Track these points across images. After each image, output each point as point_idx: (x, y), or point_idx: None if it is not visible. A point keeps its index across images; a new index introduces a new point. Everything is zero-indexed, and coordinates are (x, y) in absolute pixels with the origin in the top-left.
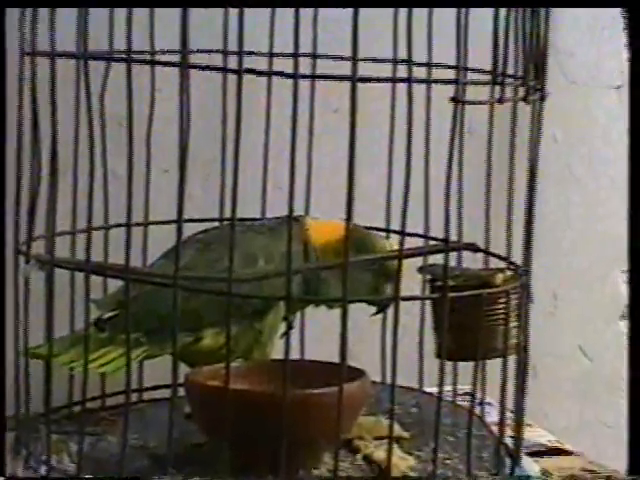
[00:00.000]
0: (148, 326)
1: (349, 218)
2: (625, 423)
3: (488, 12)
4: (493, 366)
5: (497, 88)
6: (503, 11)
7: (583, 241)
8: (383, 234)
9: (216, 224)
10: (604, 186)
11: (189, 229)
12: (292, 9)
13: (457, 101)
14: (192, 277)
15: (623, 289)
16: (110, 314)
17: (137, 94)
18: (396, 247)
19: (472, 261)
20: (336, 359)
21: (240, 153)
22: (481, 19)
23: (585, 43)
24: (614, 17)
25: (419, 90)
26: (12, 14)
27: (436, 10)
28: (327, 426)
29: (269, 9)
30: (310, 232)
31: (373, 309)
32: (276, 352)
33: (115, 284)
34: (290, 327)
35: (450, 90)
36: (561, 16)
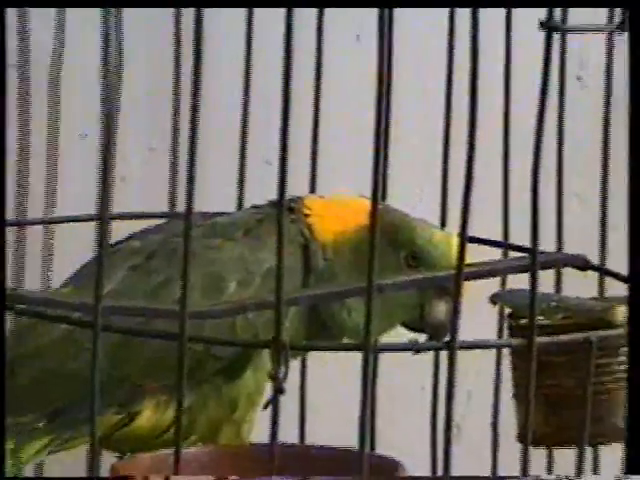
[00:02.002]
0: (51, 403)
1: (376, 198)
2: None
3: None
4: (610, 452)
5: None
6: None
7: None
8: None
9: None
10: None
11: (120, 231)
12: None
13: (552, 28)
14: (123, 309)
15: None
16: None
17: (36, 24)
18: (455, 239)
19: (579, 285)
20: (355, 442)
21: (201, 109)
22: None
23: None
24: None
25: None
26: None
27: None
28: None
29: None
30: (312, 220)
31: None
32: (257, 431)
33: None
34: (280, 391)
35: (541, 11)
36: None
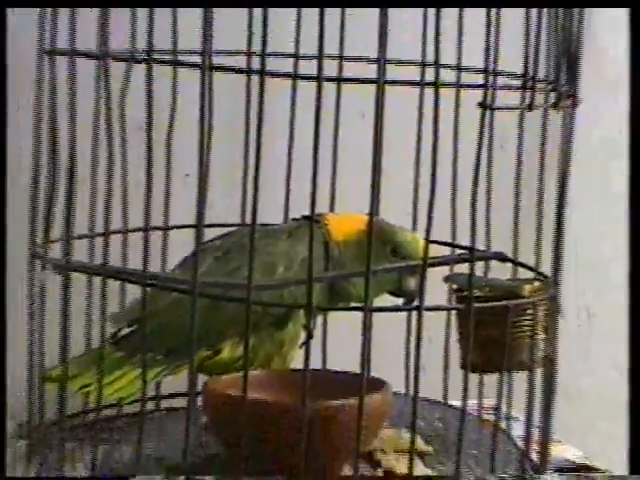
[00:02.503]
0: (166, 344)
1: (371, 226)
2: None
3: (519, 12)
4: (520, 379)
5: (528, 94)
6: (534, 11)
7: (619, 255)
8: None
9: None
10: None
11: (209, 234)
12: (318, 9)
13: (485, 107)
14: (211, 283)
15: None
16: (127, 330)
17: (158, 96)
18: (421, 239)
19: (499, 271)
20: (358, 369)
21: (263, 158)
22: (512, 19)
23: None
24: None
25: (447, 94)
26: (31, 11)
27: (465, 11)
28: (347, 438)
29: (295, 9)
30: (329, 227)
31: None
32: (296, 361)
33: (133, 289)
34: (310, 336)
35: (480, 95)
36: (597, 15)
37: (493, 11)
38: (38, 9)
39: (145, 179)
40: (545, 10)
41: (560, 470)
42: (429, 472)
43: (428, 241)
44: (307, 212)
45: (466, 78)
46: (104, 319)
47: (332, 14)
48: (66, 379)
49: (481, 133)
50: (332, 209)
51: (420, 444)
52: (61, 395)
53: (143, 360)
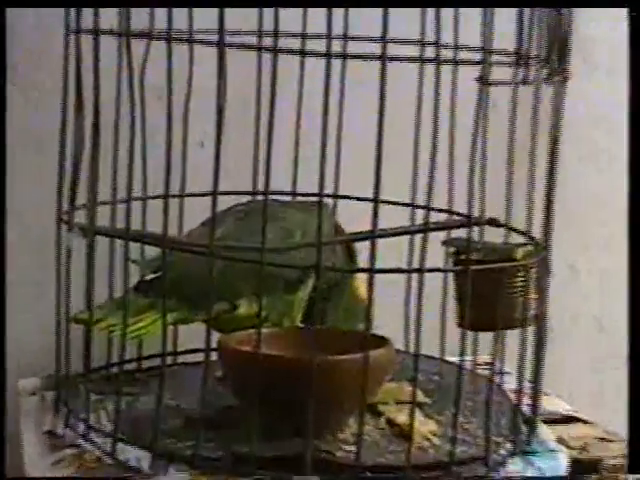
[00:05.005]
0: (184, 291)
1: (377, 196)
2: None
3: None
4: (512, 337)
5: (521, 69)
6: None
7: (601, 217)
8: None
9: (249, 197)
10: (621, 166)
11: (223, 203)
12: None
13: (483, 82)
14: (226, 246)
15: None
16: (152, 277)
17: (176, 69)
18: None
19: (494, 236)
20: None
21: (274, 128)
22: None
23: (607, 30)
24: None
25: (446, 70)
26: None
27: None
28: (352, 391)
29: None
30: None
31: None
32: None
33: (153, 252)
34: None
35: (476, 71)
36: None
37: None
38: None
39: (165, 147)
40: None
41: (550, 421)
42: (428, 421)
43: (429, 209)
44: (312, 177)
45: (463, 56)
46: (126, 280)
47: None
48: (92, 322)
49: (479, 105)
50: (337, 175)
51: (420, 396)
52: (87, 342)
53: (163, 304)
